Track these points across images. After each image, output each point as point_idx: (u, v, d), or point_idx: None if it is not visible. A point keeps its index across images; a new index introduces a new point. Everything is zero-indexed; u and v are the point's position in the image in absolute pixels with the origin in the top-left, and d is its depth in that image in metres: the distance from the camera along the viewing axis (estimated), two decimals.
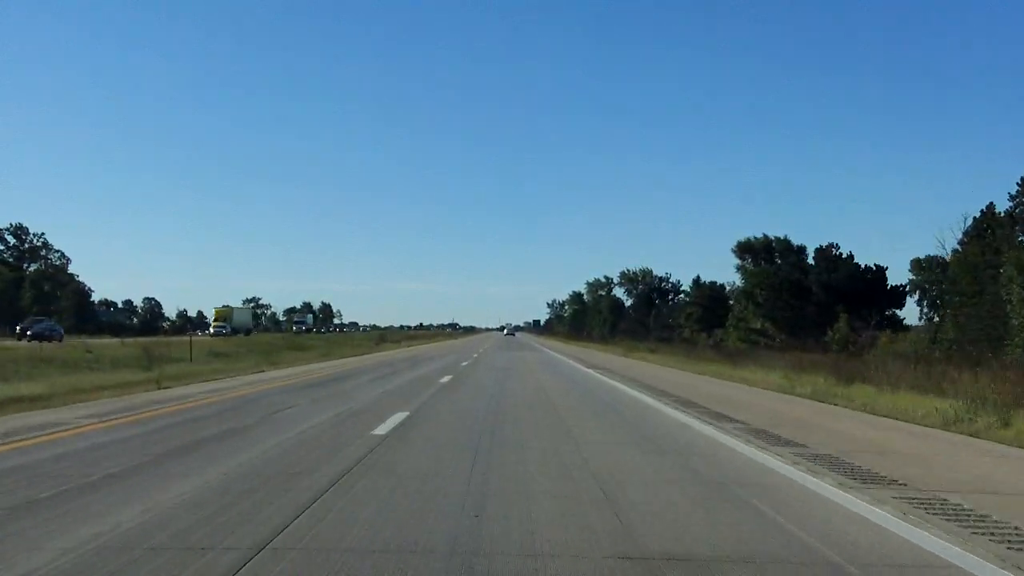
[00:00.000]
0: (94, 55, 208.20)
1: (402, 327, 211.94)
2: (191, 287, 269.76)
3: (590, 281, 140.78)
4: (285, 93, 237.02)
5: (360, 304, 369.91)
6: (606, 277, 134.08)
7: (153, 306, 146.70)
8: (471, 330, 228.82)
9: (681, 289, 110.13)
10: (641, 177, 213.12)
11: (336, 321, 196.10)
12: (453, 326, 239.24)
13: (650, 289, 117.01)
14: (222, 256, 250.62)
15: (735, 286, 78.16)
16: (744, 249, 77.21)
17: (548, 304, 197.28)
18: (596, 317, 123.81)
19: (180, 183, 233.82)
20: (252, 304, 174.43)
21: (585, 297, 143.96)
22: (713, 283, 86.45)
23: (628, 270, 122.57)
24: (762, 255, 75.06)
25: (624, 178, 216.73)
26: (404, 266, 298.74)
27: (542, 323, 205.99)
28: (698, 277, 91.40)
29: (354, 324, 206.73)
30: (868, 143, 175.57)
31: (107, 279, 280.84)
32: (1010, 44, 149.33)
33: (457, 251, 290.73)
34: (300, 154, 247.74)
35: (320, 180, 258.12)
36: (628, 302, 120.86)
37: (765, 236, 76.55)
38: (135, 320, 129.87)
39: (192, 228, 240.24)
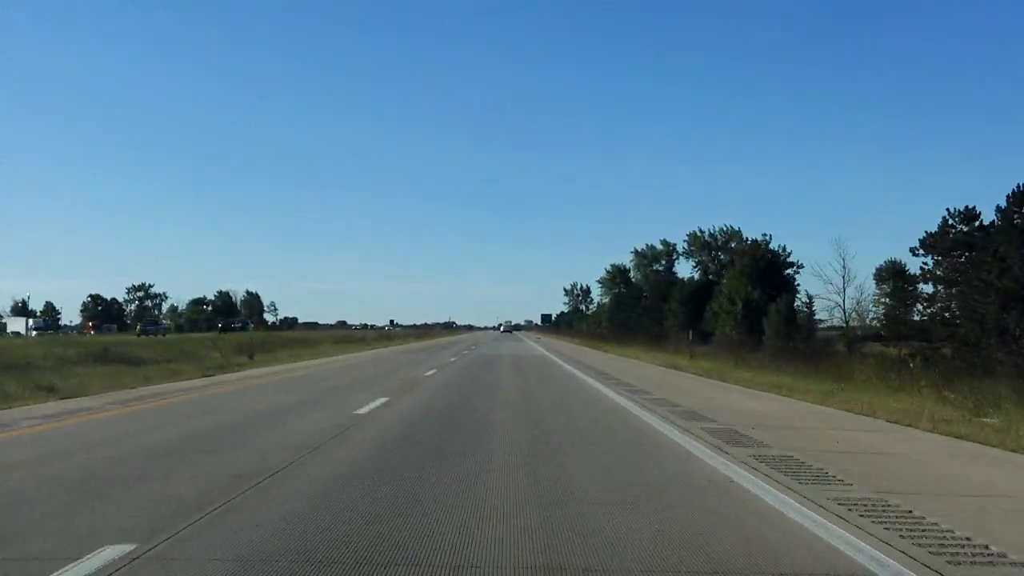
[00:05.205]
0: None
1: (340, 323, 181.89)
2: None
3: (639, 249, 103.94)
4: (283, 94, 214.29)
5: (363, 304, 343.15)
6: (664, 242, 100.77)
7: None
8: (468, 328, 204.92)
9: (786, 259, 66.79)
10: (640, 168, 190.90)
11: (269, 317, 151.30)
12: (448, 325, 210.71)
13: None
14: (216, 250, 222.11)
15: None
16: None
17: (566, 291, 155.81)
18: (719, 307, 62.26)
19: (180, 186, 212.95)
20: (140, 293, 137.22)
21: (632, 275, 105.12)
22: None
23: (700, 231, 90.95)
24: None
25: (623, 171, 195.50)
26: (404, 265, 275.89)
27: (553, 318, 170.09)
28: None
29: (322, 323, 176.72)
30: None
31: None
32: None
33: (455, 249, 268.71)
34: (294, 153, 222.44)
35: (313, 180, 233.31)
36: (694, 275, 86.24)
37: None
38: None
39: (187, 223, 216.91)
